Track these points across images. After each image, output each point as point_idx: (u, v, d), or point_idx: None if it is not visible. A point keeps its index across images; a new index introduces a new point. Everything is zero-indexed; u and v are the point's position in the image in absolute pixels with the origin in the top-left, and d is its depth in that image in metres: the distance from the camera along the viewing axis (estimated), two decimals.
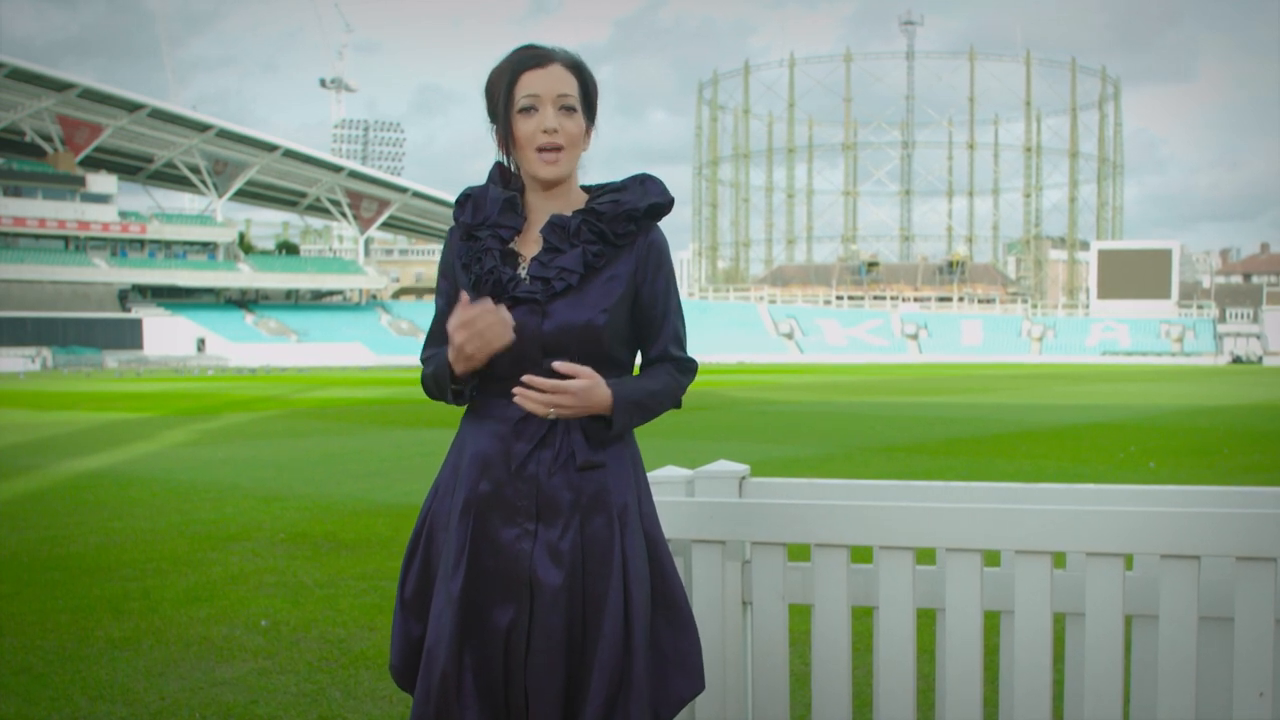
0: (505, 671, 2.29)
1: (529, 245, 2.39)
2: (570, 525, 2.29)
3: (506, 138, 2.36)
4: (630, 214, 2.36)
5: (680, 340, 2.44)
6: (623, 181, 2.42)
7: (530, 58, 2.34)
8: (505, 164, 2.45)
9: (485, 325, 2.21)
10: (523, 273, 2.34)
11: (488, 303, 2.22)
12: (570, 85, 2.34)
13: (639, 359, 2.47)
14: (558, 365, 2.26)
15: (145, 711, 4.24)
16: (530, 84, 2.32)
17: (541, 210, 2.40)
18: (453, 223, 2.47)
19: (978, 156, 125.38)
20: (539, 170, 2.34)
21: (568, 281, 2.30)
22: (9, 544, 7.94)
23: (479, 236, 2.39)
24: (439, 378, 2.35)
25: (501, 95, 2.34)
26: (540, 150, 2.32)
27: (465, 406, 2.43)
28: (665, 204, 2.40)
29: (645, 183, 2.41)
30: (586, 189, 2.45)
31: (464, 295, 2.26)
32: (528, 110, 2.32)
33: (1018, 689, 2.67)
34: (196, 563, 7.19)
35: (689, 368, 2.45)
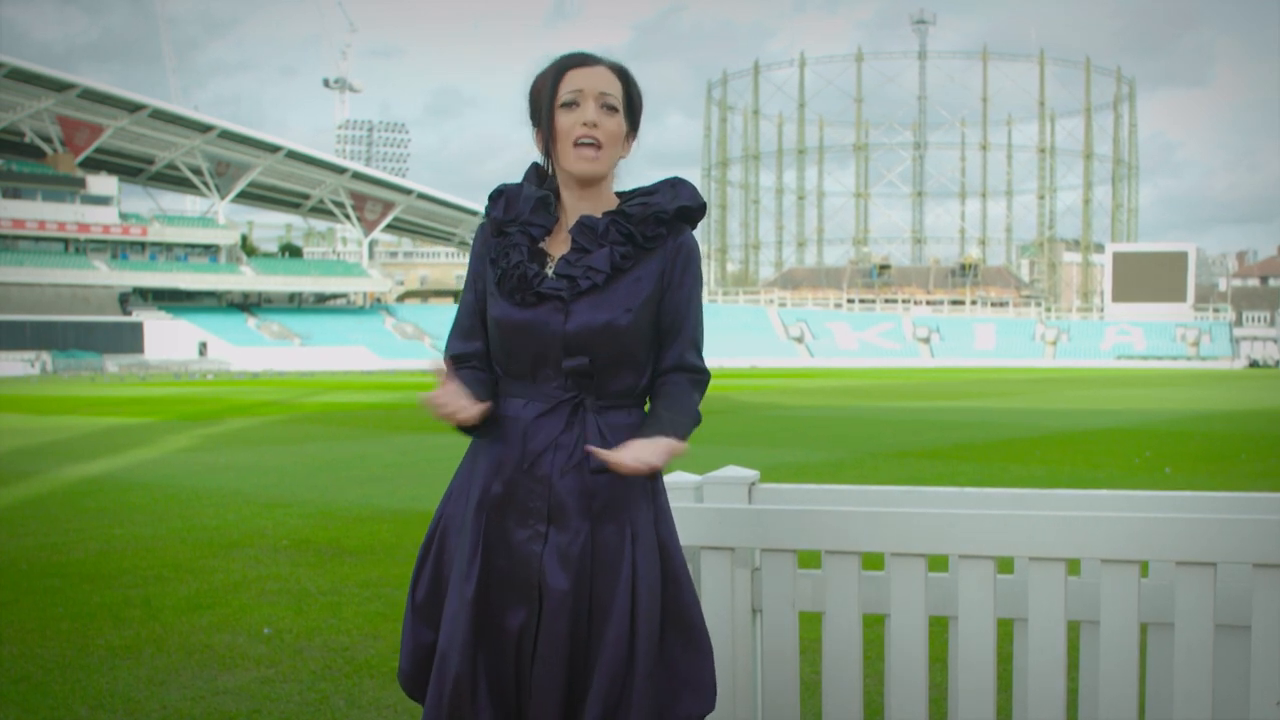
0: (516, 675, 2.27)
1: (558, 245, 2.37)
2: (581, 531, 2.26)
3: (548, 133, 2.35)
4: (659, 216, 2.34)
5: (698, 348, 2.40)
6: (654, 185, 2.41)
7: (577, 58, 2.36)
8: (542, 165, 2.44)
9: (446, 403, 2.25)
10: (549, 270, 2.32)
11: (450, 385, 2.26)
12: (614, 87, 2.35)
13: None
14: (592, 450, 2.22)
15: None
16: (574, 80, 2.33)
17: (574, 211, 2.39)
18: (483, 218, 2.46)
19: (991, 158, 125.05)
20: (575, 165, 2.32)
21: (593, 280, 2.28)
22: (8, 550, 7.91)
23: (509, 232, 2.38)
24: None
25: (546, 92, 2.35)
26: (578, 145, 2.31)
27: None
28: (695, 208, 2.38)
29: (676, 186, 2.39)
30: (619, 194, 2.43)
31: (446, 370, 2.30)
32: (570, 105, 2.32)
33: (1031, 698, 2.64)
34: (198, 570, 7.16)
35: (702, 381, 2.40)
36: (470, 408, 2.27)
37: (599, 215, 2.36)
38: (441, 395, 2.25)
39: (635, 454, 2.18)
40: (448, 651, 2.26)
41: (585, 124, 2.30)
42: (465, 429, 2.34)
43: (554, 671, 2.23)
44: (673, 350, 2.37)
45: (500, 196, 2.43)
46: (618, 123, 2.35)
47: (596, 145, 2.32)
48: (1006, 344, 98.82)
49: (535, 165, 2.45)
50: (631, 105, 2.39)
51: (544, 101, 2.35)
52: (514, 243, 2.36)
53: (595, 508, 2.27)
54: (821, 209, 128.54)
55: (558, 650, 2.23)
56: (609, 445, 2.27)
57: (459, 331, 2.46)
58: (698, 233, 2.49)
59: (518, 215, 2.39)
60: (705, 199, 2.42)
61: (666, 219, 2.35)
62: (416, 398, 2.30)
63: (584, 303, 2.28)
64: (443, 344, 2.63)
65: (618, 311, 2.28)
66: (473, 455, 2.39)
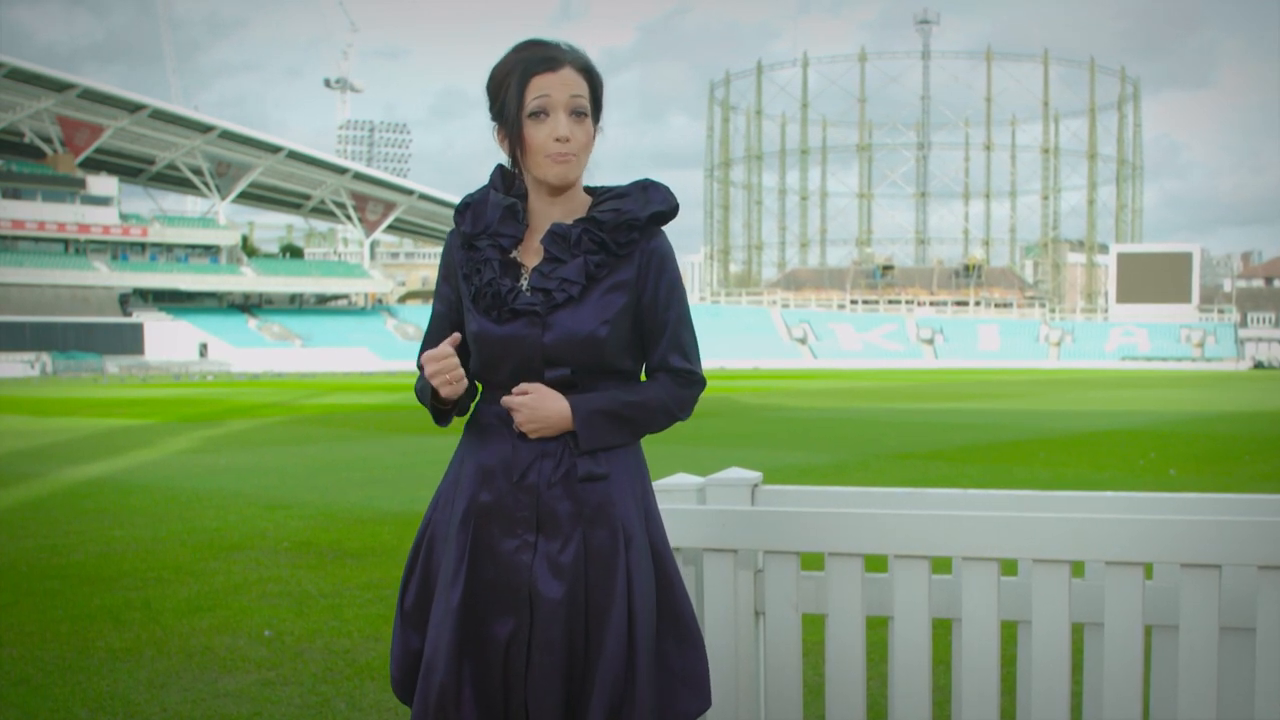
0: (504, 684, 2.26)
1: (530, 254, 2.35)
2: (572, 538, 2.25)
3: (515, 141, 2.31)
4: (631, 223, 2.31)
5: (684, 350, 2.36)
6: (625, 187, 2.37)
7: (541, 60, 2.28)
8: (507, 167, 2.40)
9: (447, 370, 2.25)
10: (523, 284, 2.30)
11: (451, 352, 2.25)
12: (581, 88, 2.30)
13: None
14: (515, 391, 2.27)
15: None
16: (542, 87, 2.27)
17: (544, 216, 2.36)
18: (454, 226, 2.43)
19: (995, 158, 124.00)
20: (549, 173, 2.29)
21: (569, 293, 2.27)
22: (8, 553, 7.90)
23: (479, 246, 2.35)
24: (424, 395, 2.37)
25: (511, 97, 2.29)
26: (550, 158, 2.28)
27: (466, 416, 2.41)
28: (668, 212, 2.35)
29: (648, 189, 2.36)
30: (590, 190, 2.40)
31: (454, 337, 2.30)
32: (538, 115, 2.27)
33: (1035, 700, 2.63)
34: (199, 572, 7.15)
35: (690, 381, 2.37)
36: (463, 377, 2.28)
37: (570, 220, 2.34)
38: (448, 357, 2.25)
39: (532, 409, 2.25)
40: (433, 660, 2.25)
41: (559, 139, 2.26)
42: (439, 413, 2.36)
43: (550, 679, 2.23)
44: (656, 353, 2.36)
45: (467, 209, 2.39)
46: (587, 129, 2.31)
47: (571, 157, 2.29)
48: (1010, 345, 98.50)
49: (500, 168, 2.41)
50: (597, 102, 2.35)
51: (510, 108, 2.30)
52: (485, 257, 2.33)
53: (586, 514, 2.27)
54: (824, 210, 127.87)
55: (553, 658, 2.23)
56: (590, 452, 2.30)
57: (430, 344, 2.45)
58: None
59: (487, 226, 2.35)
60: (678, 200, 2.37)
61: (640, 226, 2.32)
62: (421, 357, 2.29)
63: (561, 315, 2.27)
64: None
65: (595, 323, 2.27)
66: (459, 461, 2.38)
